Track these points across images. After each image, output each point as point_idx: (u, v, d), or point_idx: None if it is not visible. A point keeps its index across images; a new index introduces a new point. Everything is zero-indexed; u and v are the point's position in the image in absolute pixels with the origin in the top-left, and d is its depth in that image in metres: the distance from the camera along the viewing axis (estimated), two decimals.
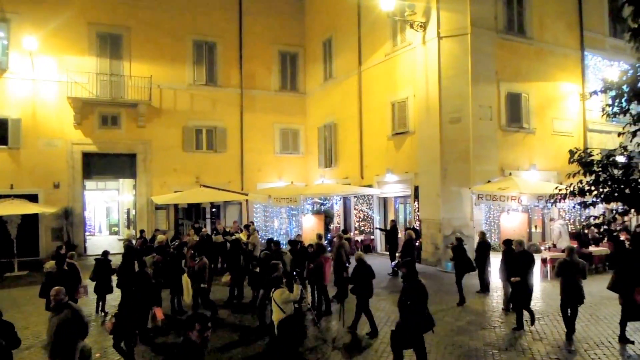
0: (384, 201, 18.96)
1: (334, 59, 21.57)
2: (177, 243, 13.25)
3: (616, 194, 5.63)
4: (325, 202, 20.13)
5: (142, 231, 17.31)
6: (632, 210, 5.67)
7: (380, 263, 16.42)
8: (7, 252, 16.10)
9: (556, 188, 6.60)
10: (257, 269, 10.39)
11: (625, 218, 11.82)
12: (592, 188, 5.80)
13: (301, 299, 7.88)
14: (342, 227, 19.71)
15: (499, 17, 15.76)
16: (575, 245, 10.97)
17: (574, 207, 13.70)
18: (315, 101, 23.26)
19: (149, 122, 20.48)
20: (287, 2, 23.68)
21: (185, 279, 10.26)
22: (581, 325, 8.80)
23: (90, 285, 10.54)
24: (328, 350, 7.70)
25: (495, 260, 11.19)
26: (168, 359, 3.76)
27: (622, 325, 7.87)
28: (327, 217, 19.54)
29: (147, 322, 8.63)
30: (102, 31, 19.96)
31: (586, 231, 14.10)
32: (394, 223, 16.16)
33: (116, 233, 28.53)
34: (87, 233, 22.51)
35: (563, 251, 10.55)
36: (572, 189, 5.96)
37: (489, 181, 14.75)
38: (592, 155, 6.01)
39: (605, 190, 5.71)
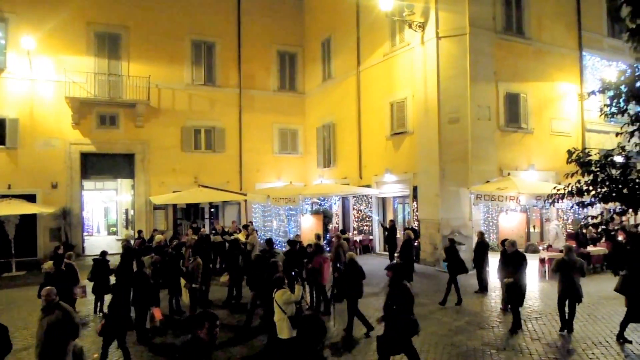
0: (383, 201, 18.97)
1: (332, 59, 21.57)
2: (175, 243, 13.23)
3: (614, 194, 5.63)
4: (323, 202, 20.13)
5: (140, 231, 17.28)
6: (630, 210, 5.67)
7: (379, 263, 16.42)
8: (5, 252, 16.06)
9: (554, 188, 6.60)
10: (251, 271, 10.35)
11: (623, 218, 11.81)
12: (590, 188, 5.80)
13: (300, 299, 7.87)
14: (340, 227, 19.70)
15: (497, 17, 15.78)
16: (573, 245, 11.02)
17: (571, 207, 13.71)
18: (314, 101, 23.25)
19: (148, 122, 20.45)
20: (286, 2, 23.68)
21: (184, 280, 10.25)
22: (579, 325, 8.82)
23: (89, 285, 10.53)
24: (325, 350, 7.70)
25: (494, 260, 11.19)
26: (176, 357, 3.75)
27: (623, 325, 7.88)
28: (326, 217, 19.54)
29: (146, 322, 8.62)
30: (100, 31, 19.93)
31: (584, 231, 14.13)
32: (393, 223, 16.16)
33: (114, 233, 28.49)
34: (85, 233, 22.47)
35: (561, 251, 10.57)
36: (570, 189, 5.96)
37: (487, 181, 14.76)
38: (590, 155, 6.01)
39: (603, 190, 5.71)
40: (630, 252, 5.59)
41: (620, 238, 8.07)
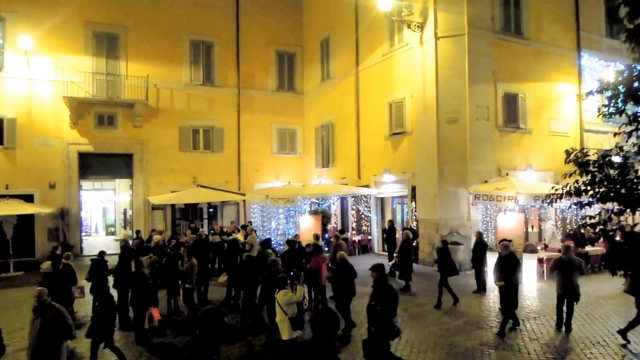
0: (382, 201, 18.98)
1: (331, 59, 21.57)
2: (173, 243, 13.21)
3: (612, 194, 5.63)
4: (322, 203, 20.12)
5: (138, 232, 17.26)
6: (628, 210, 5.68)
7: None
8: (3, 252, 16.02)
9: (552, 188, 6.61)
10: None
11: (621, 218, 11.83)
12: (588, 188, 5.81)
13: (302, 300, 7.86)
14: (339, 228, 19.69)
15: (496, 17, 15.80)
16: (571, 244, 11.04)
17: (569, 207, 13.73)
18: (312, 101, 23.25)
19: (146, 122, 20.42)
20: (284, 2, 23.67)
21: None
22: (577, 325, 8.84)
23: (87, 285, 10.50)
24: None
25: (492, 261, 11.18)
26: (184, 354, 3.74)
27: (632, 325, 7.86)
28: (325, 218, 19.53)
29: (144, 322, 8.61)
30: (99, 30, 19.90)
31: (582, 231, 14.16)
32: (392, 223, 16.16)
33: (113, 233, 28.44)
34: (83, 233, 22.45)
35: (559, 251, 10.58)
36: (568, 189, 5.97)
37: (485, 181, 14.78)
38: (588, 156, 6.01)
39: (601, 190, 5.72)
40: (630, 252, 5.59)
41: (617, 238, 8.07)
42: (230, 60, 22.33)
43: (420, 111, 15.82)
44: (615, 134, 6.08)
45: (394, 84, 17.35)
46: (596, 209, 6.55)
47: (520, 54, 16.34)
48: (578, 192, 5.88)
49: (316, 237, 12.83)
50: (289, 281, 7.29)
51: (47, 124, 18.84)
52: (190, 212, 21.48)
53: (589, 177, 5.82)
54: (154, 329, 8.87)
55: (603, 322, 9.10)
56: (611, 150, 5.95)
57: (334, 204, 20.69)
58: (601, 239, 13.13)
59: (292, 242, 11.76)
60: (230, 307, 10.82)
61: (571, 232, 15.17)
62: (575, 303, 8.65)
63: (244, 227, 16.90)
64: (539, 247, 14.14)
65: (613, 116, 6.14)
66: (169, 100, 21.06)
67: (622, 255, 5.61)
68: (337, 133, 21.11)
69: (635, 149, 5.70)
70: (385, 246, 17.60)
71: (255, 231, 16.99)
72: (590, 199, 5.92)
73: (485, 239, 13.32)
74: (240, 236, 15.08)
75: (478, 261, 11.83)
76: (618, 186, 5.64)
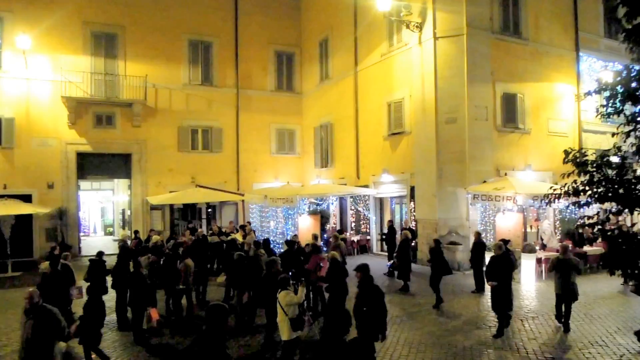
0: (380, 201, 18.98)
1: (330, 59, 21.56)
2: (172, 243, 13.19)
3: (610, 194, 5.64)
4: (321, 203, 20.12)
5: (136, 232, 17.25)
6: (626, 209, 5.69)
7: (376, 263, 16.42)
8: (1, 252, 15.99)
9: (551, 188, 6.61)
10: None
11: (620, 218, 11.86)
12: (587, 188, 5.81)
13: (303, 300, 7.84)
14: (338, 228, 19.69)
15: (494, 17, 15.81)
16: (569, 244, 11.06)
17: (568, 207, 13.75)
18: (311, 101, 23.24)
19: (144, 122, 20.39)
20: (283, 2, 23.66)
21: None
22: (575, 325, 8.85)
23: (85, 286, 10.48)
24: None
25: None
26: (192, 350, 3.76)
27: None
28: (323, 218, 19.54)
29: (143, 323, 8.59)
30: (97, 30, 19.86)
31: (581, 231, 14.18)
32: (391, 223, 16.17)
33: (111, 233, 28.40)
34: (81, 234, 22.42)
35: (557, 250, 10.61)
36: (566, 189, 5.97)
37: (484, 181, 14.79)
38: (587, 156, 6.02)
39: (600, 190, 5.72)
40: (628, 252, 5.59)
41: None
42: (229, 60, 22.32)
43: (419, 111, 15.82)
44: (613, 134, 6.09)
45: (392, 84, 17.35)
46: (594, 209, 6.56)
47: (518, 54, 16.36)
48: (576, 192, 5.89)
49: (315, 237, 12.83)
50: (291, 282, 7.26)
51: (45, 123, 18.80)
52: (189, 212, 21.45)
53: (587, 177, 5.83)
54: (152, 329, 8.86)
55: (601, 322, 9.11)
56: (609, 150, 5.96)
57: (332, 204, 20.69)
58: (599, 239, 13.14)
59: (291, 243, 11.76)
60: (229, 307, 10.82)
61: (572, 231, 15.19)
62: (573, 302, 8.68)
63: (243, 227, 16.89)
64: (537, 247, 14.15)
65: (611, 116, 6.14)
66: (168, 100, 21.03)
67: (620, 255, 5.61)
68: (336, 133, 21.11)
69: (634, 149, 5.71)
70: (384, 246, 17.65)
71: (254, 231, 16.98)
72: (589, 199, 5.92)
73: (484, 239, 13.34)
74: (238, 236, 15.07)
75: (477, 261, 11.83)
76: (616, 186, 5.64)
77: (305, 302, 9.85)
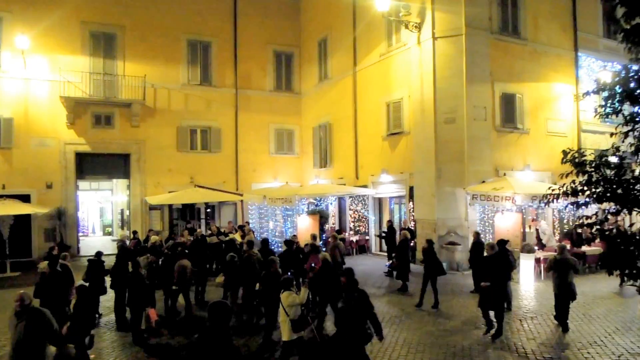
0: (379, 201, 18.98)
1: (329, 59, 21.56)
2: (170, 243, 13.18)
3: (608, 194, 5.64)
4: (320, 203, 20.12)
5: (135, 232, 17.24)
6: (624, 210, 5.69)
7: (375, 263, 16.47)
8: (0, 253, 15.94)
9: (549, 188, 6.60)
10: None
11: (619, 218, 11.86)
12: (585, 188, 5.81)
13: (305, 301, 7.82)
14: (337, 228, 19.69)
15: (493, 17, 15.82)
16: (567, 244, 11.08)
17: (566, 207, 13.75)
18: (310, 101, 23.24)
19: (143, 122, 20.37)
20: (282, 2, 23.65)
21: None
22: (574, 325, 8.86)
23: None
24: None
25: None
26: (198, 346, 3.77)
27: None
28: (322, 218, 19.53)
29: (141, 323, 8.59)
30: (96, 30, 19.83)
31: (580, 231, 14.18)
32: (391, 223, 16.17)
33: (110, 234, 28.36)
34: (80, 234, 22.38)
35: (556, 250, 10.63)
36: (564, 189, 5.97)
37: (483, 181, 14.80)
38: (585, 156, 6.01)
39: (598, 190, 5.72)
40: (626, 252, 5.58)
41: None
42: (228, 60, 22.30)
43: (418, 111, 15.83)
44: (611, 134, 6.08)
45: (391, 84, 17.36)
46: (593, 209, 6.55)
47: (517, 54, 16.37)
48: (575, 193, 5.88)
49: (313, 237, 12.82)
50: (295, 283, 7.23)
51: (44, 124, 18.77)
52: (188, 212, 21.44)
53: (586, 177, 5.82)
54: (151, 329, 8.85)
55: (600, 322, 9.12)
56: (608, 150, 5.96)
57: (331, 204, 20.68)
58: (598, 239, 13.14)
59: (290, 243, 11.76)
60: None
61: (573, 231, 15.19)
62: (571, 302, 8.72)
63: (241, 227, 16.89)
64: (535, 247, 14.16)
65: (610, 116, 6.14)
66: (167, 100, 21.01)
67: (618, 255, 5.60)
68: (334, 133, 21.11)
69: (632, 149, 5.70)
70: (383, 246, 17.66)
71: (253, 231, 16.97)
72: (587, 199, 5.92)
73: (483, 239, 13.33)
74: (237, 236, 15.06)
75: (476, 261, 11.81)
76: (614, 186, 5.64)
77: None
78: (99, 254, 10.69)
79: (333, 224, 20.36)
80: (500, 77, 15.80)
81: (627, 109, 5.91)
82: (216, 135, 21.87)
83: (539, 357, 7.35)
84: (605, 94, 6.02)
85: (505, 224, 15.10)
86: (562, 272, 8.73)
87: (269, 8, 23.09)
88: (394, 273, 13.18)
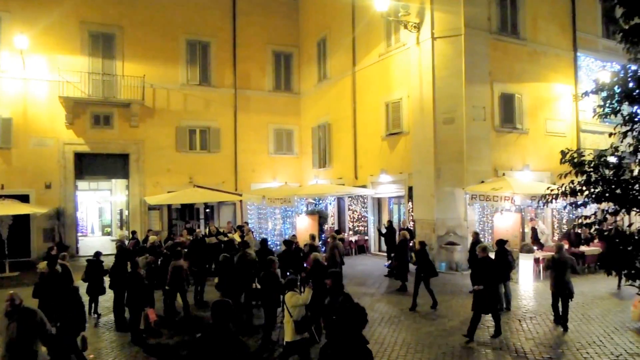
0: (378, 201, 18.98)
1: (328, 59, 21.56)
2: (169, 244, 13.18)
3: (607, 194, 5.64)
4: (319, 203, 20.11)
5: (134, 232, 17.22)
6: (623, 210, 5.69)
7: (374, 263, 16.47)
8: None
9: (548, 188, 6.61)
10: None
11: (617, 218, 11.85)
12: (584, 188, 5.81)
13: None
14: (336, 228, 19.69)
15: (492, 18, 15.82)
16: (565, 244, 11.10)
17: (565, 207, 13.77)
18: (309, 101, 23.23)
19: (142, 122, 20.35)
20: (281, 2, 23.64)
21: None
22: (573, 325, 8.87)
23: (82, 286, 10.45)
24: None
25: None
26: (200, 343, 3.78)
27: None
28: (321, 218, 19.53)
29: (140, 323, 8.58)
30: (95, 30, 19.81)
31: (579, 231, 14.20)
32: (391, 223, 16.17)
33: (109, 234, 28.34)
34: (79, 234, 22.35)
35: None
36: (563, 189, 5.97)
37: (482, 181, 14.80)
38: (584, 156, 6.01)
39: (597, 190, 5.72)
40: (625, 252, 5.57)
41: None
42: (227, 61, 22.29)
43: (417, 111, 15.83)
44: (610, 134, 6.08)
45: (390, 84, 17.36)
46: (592, 209, 6.56)
47: (516, 54, 16.37)
48: (573, 193, 5.88)
49: (312, 237, 12.83)
50: (299, 283, 7.19)
51: (42, 124, 18.75)
52: (187, 212, 21.42)
53: (585, 177, 5.82)
54: (149, 329, 8.85)
55: (599, 322, 9.12)
56: (607, 150, 5.96)
57: (330, 204, 20.68)
58: (596, 239, 13.16)
59: (289, 243, 11.75)
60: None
61: (568, 232, 15.21)
62: (570, 300, 8.77)
63: (240, 227, 16.87)
64: (534, 247, 14.17)
65: (609, 116, 6.14)
66: (166, 100, 21.00)
67: (617, 255, 5.60)
68: (333, 133, 21.10)
69: (631, 149, 5.70)
70: (382, 247, 17.66)
71: (252, 232, 16.96)
72: (586, 199, 5.92)
73: (482, 239, 13.34)
74: (236, 236, 15.05)
75: (475, 261, 11.82)
76: (613, 186, 5.64)
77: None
78: (97, 254, 10.69)
79: (332, 224, 20.35)
80: (500, 77, 15.80)
81: (625, 109, 5.91)
82: (215, 136, 21.86)
83: (537, 357, 7.36)
84: (604, 94, 6.02)
85: (505, 224, 15.11)
86: (559, 271, 8.81)
87: (268, 8, 23.08)
88: (394, 273, 13.19)
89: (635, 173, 5.68)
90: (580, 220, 6.07)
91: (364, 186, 18.57)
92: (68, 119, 18.99)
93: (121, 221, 25.98)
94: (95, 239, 27.24)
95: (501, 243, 10.31)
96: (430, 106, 15.21)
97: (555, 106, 17.34)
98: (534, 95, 16.72)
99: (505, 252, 10.20)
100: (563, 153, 5.99)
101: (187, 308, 9.88)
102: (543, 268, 11.86)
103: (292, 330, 6.34)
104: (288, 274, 10.29)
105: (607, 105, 5.97)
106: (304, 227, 18.19)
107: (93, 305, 10.43)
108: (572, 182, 5.90)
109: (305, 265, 10.37)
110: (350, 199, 19.79)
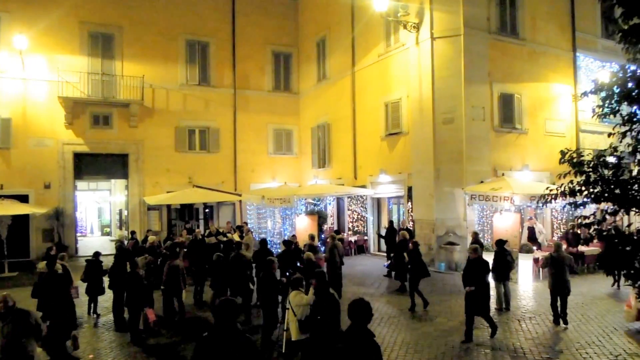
0: (378, 202, 18.98)
1: (327, 59, 21.55)
2: (168, 244, 13.17)
3: (606, 194, 5.64)
4: (318, 203, 20.11)
5: (133, 232, 17.21)
6: (622, 210, 5.69)
7: (374, 263, 16.47)
8: None
9: (547, 188, 6.61)
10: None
11: (617, 218, 11.86)
12: (583, 188, 5.81)
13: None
14: (335, 228, 19.68)
15: (491, 18, 15.83)
16: (564, 244, 11.12)
17: (564, 207, 13.77)
18: (308, 101, 23.23)
19: (141, 122, 20.34)
20: (280, 2, 23.63)
21: None
22: (572, 325, 8.88)
23: (82, 286, 10.46)
24: None
25: (489, 259, 11.19)
26: (206, 341, 3.78)
27: None
28: (321, 218, 19.54)
29: (139, 323, 8.58)
30: (94, 30, 19.80)
31: (578, 231, 14.20)
32: (391, 223, 16.17)
33: (108, 234, 28.33)
34: (78, 234, 22.32)
35: None
36: (562, 189, 5.97)
37: (481, 181, 14.80)
38: (583, 156, 6.01)
39: (596, 190, 5.72)
40: (624, 252, 5.58)
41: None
42: (226, 61, 22.28)
43: (416, 111, 15.83)
44: (609, 134, 6.08)
45: (390, 85, 17.36)
46: (591, 209, 6.56)
47: (516, 54, 16.38)
48: (572, 193, 5.88)
49: (311, 237, 12.83)
50: (304, 283, 7.15)
51: (42, 124, 18.73)
52: (186, 212, 21.41)
53: (584, 177, 5.82)
54: (149, 329, 8.84)
55: (598, 322, 9.13)
56: (606, 150, 5.96)
57: (330, 204, 20.68)
58: (595, 239, 13.16)
59: (289, 243, 11.75)
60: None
61: (566, 232, 15.22)
62: (567, 296, 8.88)
63: (239, 227, 16.87)
64: (534, 247, 14.17)
65: (608, 116, 6.14)
66: (165, 100, 20.98)
67: (616, 255, 5.60)
68: (333, 133, 21.10)
69: (630, 149, 5.70)
70: (382, 247, 17.66)
71: (252, 232, 16.95)
72: (585, 199, 5.92)
73: (482, 239, 13.35)
74: (236, 237, 15.05)
75: None
76: (612, 186, 5.64)
77: None
78: (97, 254, 10.67)
79: (331, 224, 20.36)
80: (499, 77, 15.81)
81: (625, 109, 5.91)
82: (214, 136, 21.85)
83: (537, 357, 7.36)
84: (603, 94, 6.02)
85: (504, 224, 15.10)
86: (558, 270, 8.90)
87: (268, 8, 23.08)
88: (392, 273, 13.19)
89: (635, 173, 5.69)
90: (579, 221, 6.08)
91: (363, 186, 18.57)
92: (67, 119, 18.98)
93: (120, 221, 25.96)
94: (94, 239, 27.23)
95: (501, 243, 10.32)
96: (430, 106, 15.21)
97: (554, 106, 17.35)
98: (534, 95, 16.72)
99: (504, 252, 10.21)
100: (562, 153, 6.00)
101: (182, 309, 9.79)
102: (540, 266, 11.85)
103: (297, 329, 6.33)
104: (288, 274, 10.28)
105: (606, 105, 5.97)
106: (303, 227, 18.18)
107: (92, 305, 10.42)
108: (571, 182, 5.90)
109: (298, 264, 10.36)
110: (349, 199, 19.79)
